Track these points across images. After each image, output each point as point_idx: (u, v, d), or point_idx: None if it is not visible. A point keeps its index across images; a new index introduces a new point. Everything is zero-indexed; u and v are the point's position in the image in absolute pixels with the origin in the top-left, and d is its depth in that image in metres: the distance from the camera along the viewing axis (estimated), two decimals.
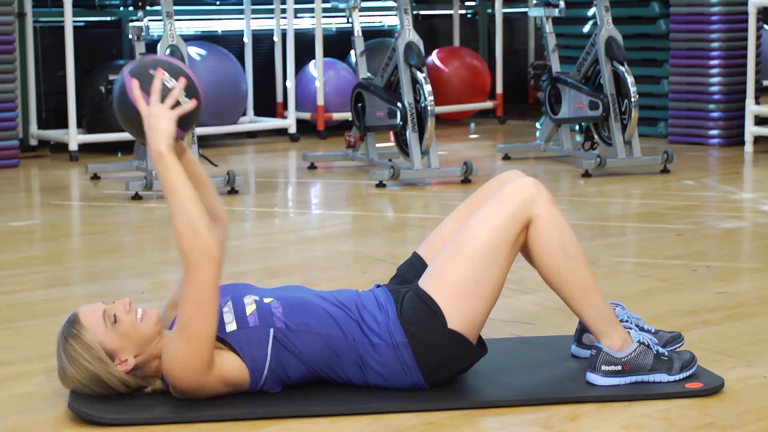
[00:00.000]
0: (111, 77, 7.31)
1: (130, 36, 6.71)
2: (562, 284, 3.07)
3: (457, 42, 10.24)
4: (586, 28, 8.93)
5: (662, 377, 3.10)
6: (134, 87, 2.93)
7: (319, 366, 3.00)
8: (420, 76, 6.73)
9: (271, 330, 2.96)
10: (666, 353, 3.11)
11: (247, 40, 9.01)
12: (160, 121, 2.89)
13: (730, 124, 8.20)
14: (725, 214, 5.78)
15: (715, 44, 8.15)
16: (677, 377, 3.10)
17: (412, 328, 3.00)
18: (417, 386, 3.04)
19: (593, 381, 3.08)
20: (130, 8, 8.42)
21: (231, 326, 2.95)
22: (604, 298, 3.10)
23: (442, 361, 3.01)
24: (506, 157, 7.78)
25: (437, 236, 3.23)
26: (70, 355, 2.89)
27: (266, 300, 3.02)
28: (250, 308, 2.99)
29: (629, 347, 3.08)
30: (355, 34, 7.21)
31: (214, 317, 2.86)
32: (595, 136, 7.35)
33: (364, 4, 9.73)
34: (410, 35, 6.85)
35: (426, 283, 3.03)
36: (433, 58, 9.74)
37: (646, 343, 3.10)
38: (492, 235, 2.99)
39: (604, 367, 3.07)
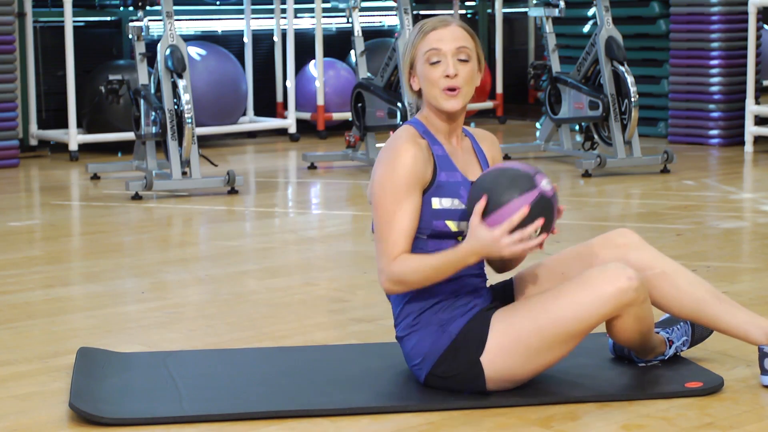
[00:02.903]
0: (111, 77, 7.29)
1: (130, 36, 6.72)
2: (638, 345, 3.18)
3: None
4: (586, 28, 8.93)
5: None
6: (524, 211, 2.92)
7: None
8: None
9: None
10: None
11: (247, 40, 9.01)
12: (504, 248, 2.92)
13: (730, 124, 8.20)
14: (725, 214, 5.78)
15: (715, 44, 8.15)
16: None
17: (462, 334, 3.02)
18: (416, 376, 3.07)
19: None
20: (130, 8, 8.41)
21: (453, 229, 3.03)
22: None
23: (452, 375, 3.03)
24: (506, 157, 7.78)
25: (532, 271, 3.22)
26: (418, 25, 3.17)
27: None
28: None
29: None
30: (355, 34, 7.21)
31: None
32: (595, 136, 7.35)
33: (364, 4, 9.72)
34: None
35: (500, 318, 3.04)
36: None
37: None
38: (574, 324, 3.00)
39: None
